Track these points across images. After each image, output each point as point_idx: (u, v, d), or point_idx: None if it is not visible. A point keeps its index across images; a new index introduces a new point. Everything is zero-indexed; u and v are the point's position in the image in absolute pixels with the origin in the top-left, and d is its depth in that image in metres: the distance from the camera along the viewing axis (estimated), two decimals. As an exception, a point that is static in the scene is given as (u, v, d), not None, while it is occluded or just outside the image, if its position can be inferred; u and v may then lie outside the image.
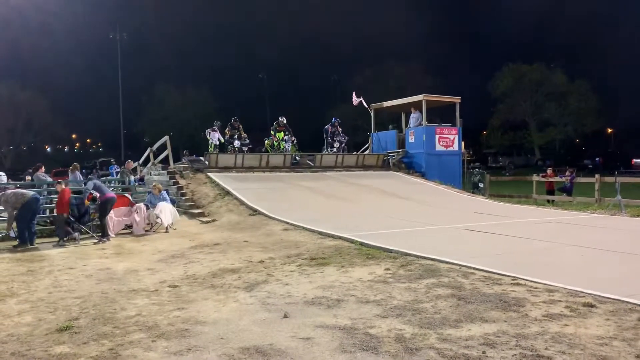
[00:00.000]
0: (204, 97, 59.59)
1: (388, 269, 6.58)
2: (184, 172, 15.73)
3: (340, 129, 20.70)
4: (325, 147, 20.63)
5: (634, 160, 40.62)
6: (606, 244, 8.06)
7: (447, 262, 6.75)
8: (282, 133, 19.25)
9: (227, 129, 19.47)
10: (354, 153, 21.50)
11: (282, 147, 19.26)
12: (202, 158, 17.80)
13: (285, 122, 19.34)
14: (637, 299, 4.83)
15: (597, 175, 15.51)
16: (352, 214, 12.15)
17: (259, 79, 65.68)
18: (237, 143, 19.00)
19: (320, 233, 9.58)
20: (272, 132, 19.66)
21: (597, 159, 45.33)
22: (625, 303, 4.80)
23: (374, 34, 56.06)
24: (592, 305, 4.78)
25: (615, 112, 50.28)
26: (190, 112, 57.26)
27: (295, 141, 20.19)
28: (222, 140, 19.78)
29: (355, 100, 21.88)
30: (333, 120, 20.76)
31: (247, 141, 19.63)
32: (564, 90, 48.50)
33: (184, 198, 14.02)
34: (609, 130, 57.78)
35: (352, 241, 8.63)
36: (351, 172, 18.26)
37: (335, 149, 19.93)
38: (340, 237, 9.02)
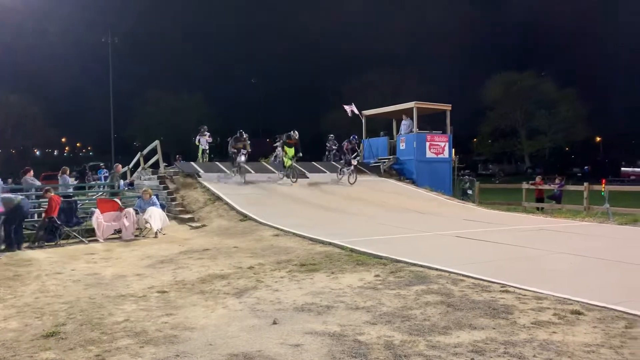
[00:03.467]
0: (196, 101, 59.49)
1: (378, 276, 6.58)
2: (174, 177, 15.66)
3: (357, 147, 18.05)
4: (341, 169, 17.68)
5: (623, 168, 41.11)
6: (594, 252, 8.11)
7: (436, 269, 6.77)
8: (293, 149, 16.84)
9: (230, 143, 16.73)
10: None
11: (287, 164, 16.76)
12: (193, 163, 17.75)
13: (297, 137, 17.02)
14: (625, 307, 4.87)
15: (585, 184, 15.65)
16: (343, 220, 12.15)
17: (252, 84, 65.69)
18: (242, 159, 16.36)
19: (310, 239, 9.57)
20: (279, 146, 17.53)
21: (585, 167, 45.81)
22: (612, 311, 4.83)
23: (367, 41, 56.39)
24: (580, 313, 4.81)
25: (604, 121, 50.84)
26: (182, 117, 57.14)
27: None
28: (211, 142, 19.69)
29: (348, 109, 21.85)
30: (352, 137, 17.88)
31: (249, 150, 17.10)
32: (554, 99, 48.91)
33: (174, 203, 13.96)
34: (598, 139, 58.32)
35: (342, 247, 8.62)
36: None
37: (352, 167, 17.09)
38: (330, 243, 9.01)
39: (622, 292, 5.61)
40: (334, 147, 21.32)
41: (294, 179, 16.50)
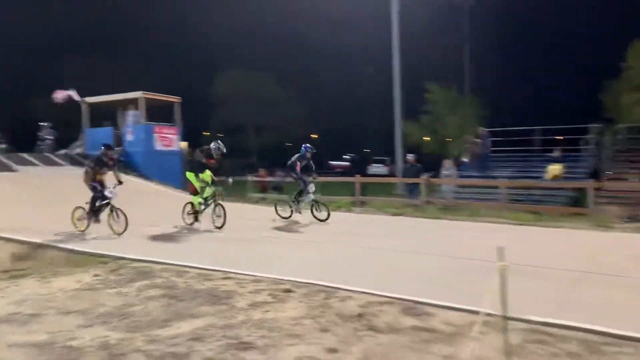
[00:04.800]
0: None
1: (97, 275, 6.19)
2: None
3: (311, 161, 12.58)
4: (300, 191, 11.95)
5: (330, 162, 48.23)
6: (306, 235, 9.19)
7: (161, 263, 6.71)
8: (209, 172, 10.91)
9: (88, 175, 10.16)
10: (63, 151, 19.49)
11: (195, 201, 10.91)
12: None
13: (224, 150, 11.16)
14: (325, 281, 5.62)
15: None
16: (59, 217, 10.96)
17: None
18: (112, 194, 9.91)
19: (18, 241, 8.39)
20: (192, 173, 11.18)
21: (303, 161, 51.66)
22: (316, 286, 5.53)
23: (92, 21, 51.50)
24: (290, 291, 5.37)
25: (320, 120, 57.54)
26: None
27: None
28: None
29: (60, 95, 19.72)
30: (304, 149, 12.52)
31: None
32: (278, 99, 53.16)
33: None
34: (314, 136, 65.89)
35: (57, 248, 7.83)
36: (64, 171, 16.41)
37: (310, 193, 11.75)
38: (44, 245, 8.07)
39: (325, 268, 6.49)
40: (47, 137, 19.07)
41: (219, 224, 10.13)
